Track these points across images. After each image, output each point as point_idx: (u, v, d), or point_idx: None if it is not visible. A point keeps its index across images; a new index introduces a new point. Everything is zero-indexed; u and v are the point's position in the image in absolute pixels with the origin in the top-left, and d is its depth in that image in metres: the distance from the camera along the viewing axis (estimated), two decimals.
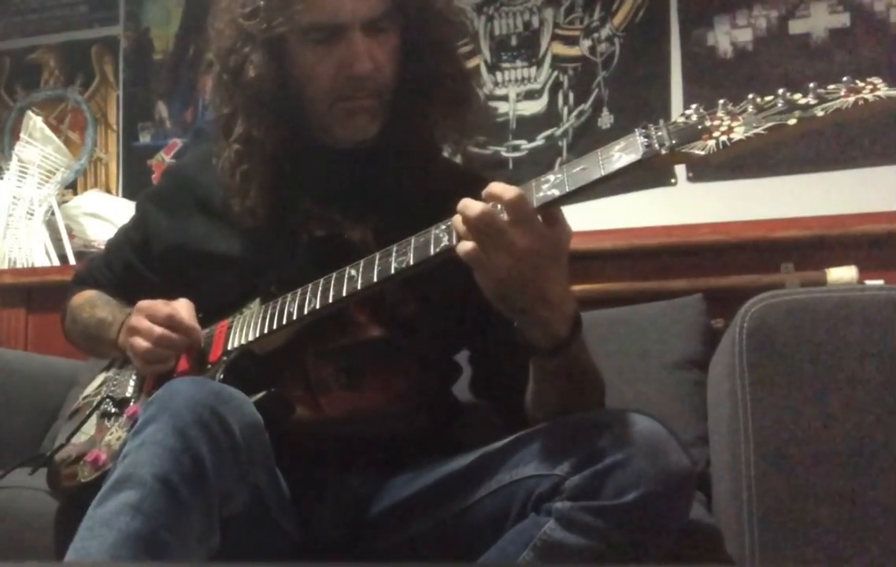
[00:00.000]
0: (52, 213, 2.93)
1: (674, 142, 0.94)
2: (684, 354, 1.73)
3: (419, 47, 1.25)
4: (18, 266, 2.81)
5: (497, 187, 0.97)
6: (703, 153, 0.92)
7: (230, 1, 1.26)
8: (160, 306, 1.22)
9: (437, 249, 1.02)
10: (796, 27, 2.49)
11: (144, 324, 1.22)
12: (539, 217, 0.97)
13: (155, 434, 0.94)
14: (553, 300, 1.00)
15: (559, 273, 1.00)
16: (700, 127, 0.93)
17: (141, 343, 1.22)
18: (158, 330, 1.21)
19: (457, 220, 0.99)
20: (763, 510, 1.10)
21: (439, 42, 1.26)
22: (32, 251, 2.84)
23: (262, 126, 1.23)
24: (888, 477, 1.07)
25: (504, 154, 2.70)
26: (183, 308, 1.23)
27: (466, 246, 0.97)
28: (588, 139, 2.59)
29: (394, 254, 1.07)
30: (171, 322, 1.21)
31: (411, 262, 1.04)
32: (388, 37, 1.23)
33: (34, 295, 2.58)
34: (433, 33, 1.25)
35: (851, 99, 0.88)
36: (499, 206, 0.96)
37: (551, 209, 0.98)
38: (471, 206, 0.96)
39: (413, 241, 1.06)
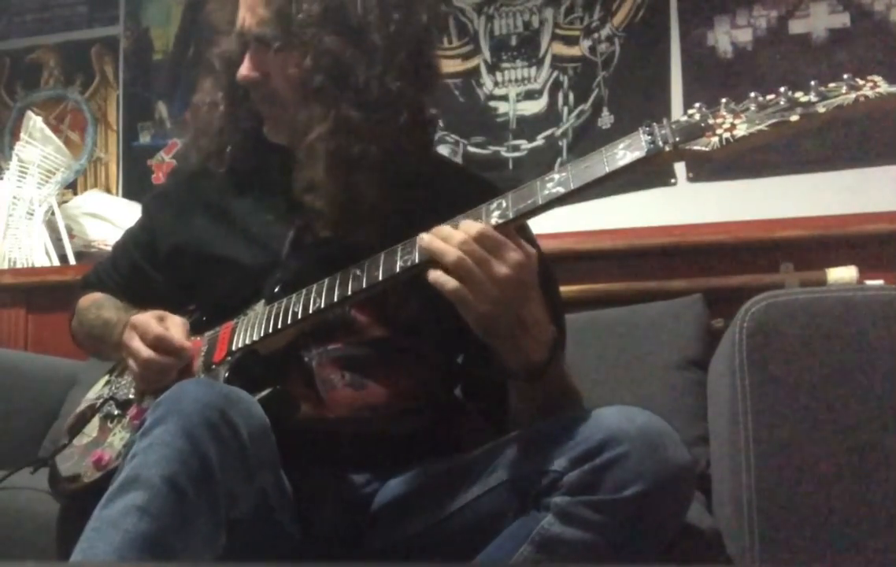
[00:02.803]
0: (52, 213, 2.93)
1: (677, 139, 0.96)
2: (684, 354, 1.73)
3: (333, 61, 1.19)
4: (18, 266, 2.81)
5: (464, 225, 1.01)
6: (706, 149, 0.94)
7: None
8: (152, 325, 1.21)
9: None
10: (796, 27, 2.49)
11: (134, 343, 1.21)
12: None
13: (163, 435, 0.94)
14: (530, 326, 1.03)
15: (535, 295, 1.03)
16: (703, 125, 0.96)
17: (131, 364, 1.22)
18: (145, 353, 1.19)
19: (434, 274, 1.01)
20: (763, 510, 1.10)
21: (347, 51, 1.19)
22: (32, 251, 2.84)
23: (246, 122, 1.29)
24: (888, 476, 1.07)
25: (504, 154, 2.70)
26: (174, 327, 1.22)
27: (450, 284, 1.00)
28: (588, 139, 2.59)
29: (399, 252, 1.08)
30: (159, 343, 1.19)
31: (416, 261, 1.05)
32: (284, 54, 1.21)
33: (34, 295, 2.57)
34: (338, 48, 1.19)
35: (852, 96, 0.90)
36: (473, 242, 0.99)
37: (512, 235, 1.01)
38: (448, 252, 0.99)
39: (417, 240, 1.06)
